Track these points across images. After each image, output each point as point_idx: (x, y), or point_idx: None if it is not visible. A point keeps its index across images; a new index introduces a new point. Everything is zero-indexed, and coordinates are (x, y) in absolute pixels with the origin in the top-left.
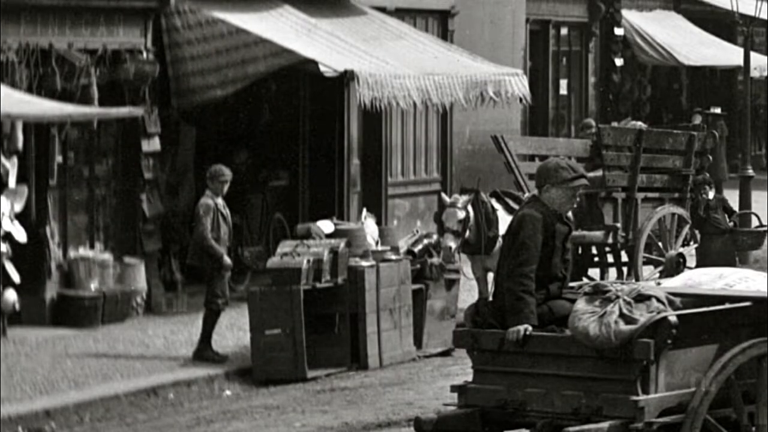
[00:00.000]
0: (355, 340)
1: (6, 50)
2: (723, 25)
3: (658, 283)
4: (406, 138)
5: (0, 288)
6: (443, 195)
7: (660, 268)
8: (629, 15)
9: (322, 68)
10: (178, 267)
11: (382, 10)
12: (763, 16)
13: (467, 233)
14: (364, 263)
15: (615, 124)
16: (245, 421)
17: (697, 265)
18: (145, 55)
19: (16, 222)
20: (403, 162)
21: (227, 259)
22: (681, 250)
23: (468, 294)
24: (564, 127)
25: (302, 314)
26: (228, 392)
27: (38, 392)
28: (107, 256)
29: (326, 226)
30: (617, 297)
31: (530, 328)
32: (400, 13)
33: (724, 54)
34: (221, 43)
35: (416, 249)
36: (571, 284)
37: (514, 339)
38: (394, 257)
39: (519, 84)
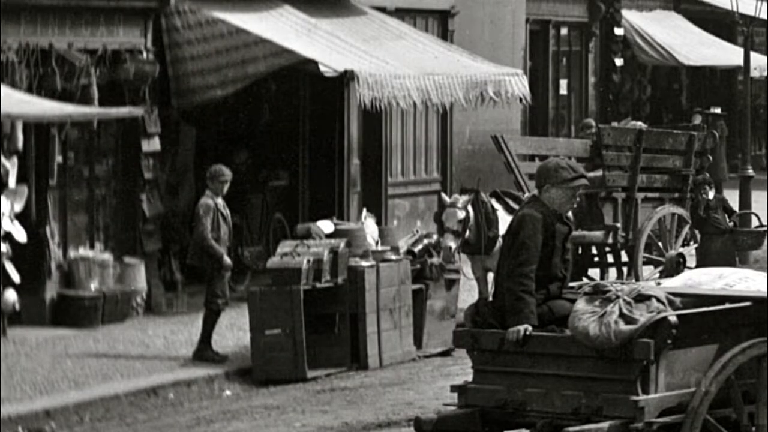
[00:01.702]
0: (355, 340)
1: (6, 50)
2: (723, 25)
3: (658, 283)
4: (406, 138)
5: (0, 288)
6: (443, 195)
7: (660, 268)
8: (629, 15)
9: (322, 68)
10: (178, 267)
11: (382, 10)
12: (763, 16)
13: (467, 233)
14: (364, 263)
15: (615, 124)
16: (245, 421)
17: (697, 265)
18: (145, 55)
19: (16, 222)
20: (403, 162)
21: (227, 259)
22: (681, 250)
23: (468, 294)
24: (564, 127)
25: (302, 314)
26: (228, 392)
27: (38, 392)
28: (107, 256)
29: (326, 226)
30: (617, 297)
31: (530, 328)
32: (400, 13)
33: (724, 54)
34: (221, 43)
35: (416, 249)
36: (571, 284)
37: (514, 339)
38: (394, 257)
39: (519, 84)
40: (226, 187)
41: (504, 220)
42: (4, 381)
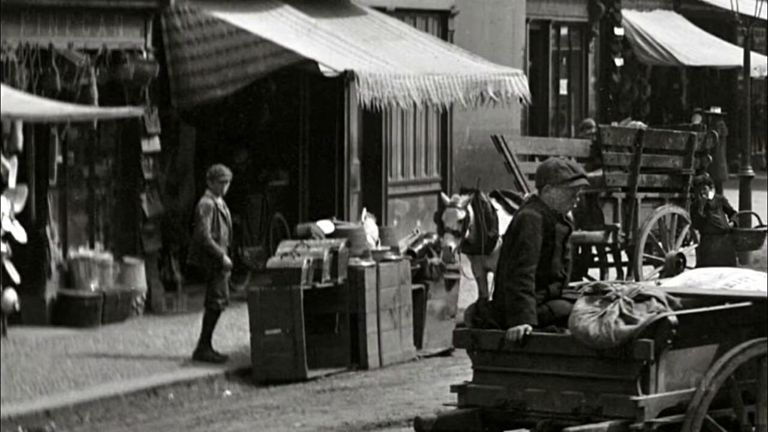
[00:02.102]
0: (355, 340)
1: (6, 50)
2: (723, 25)
3: (658, 283)
4: (406, 138)
5: (0, 288)
6: (443, 195)
7: (660, 268)
8: (629, 15)
9: (322, 68)
10: (178, 267)
11: (382, 10)
12: (763, 16)
13: (467, 233)
14: (364, 263)
15: (615, 124)
16: (245, 421)
17: (697, 265)
18: (145, 55)
19: (16, 222)
20: (403, 162)
21: (227, 259)
22: (681, 250)
23: (468, 294)
24: (564, 127)
25: (302, 314)
26: (228, 392)
27: (38, 392)
28: (107, 256)
29: (326, 226)
30: (617, 297)
31: (530, 328)
32: (400, 13)
33: (724, 54)
34: (221, 43)
35: (416, 249)
36: (571, 284)
37: (514, 339)
38: (394, 257)
39: (519, 84)
40: (226, 187)
41: (504, 220)
42: (4, 381)
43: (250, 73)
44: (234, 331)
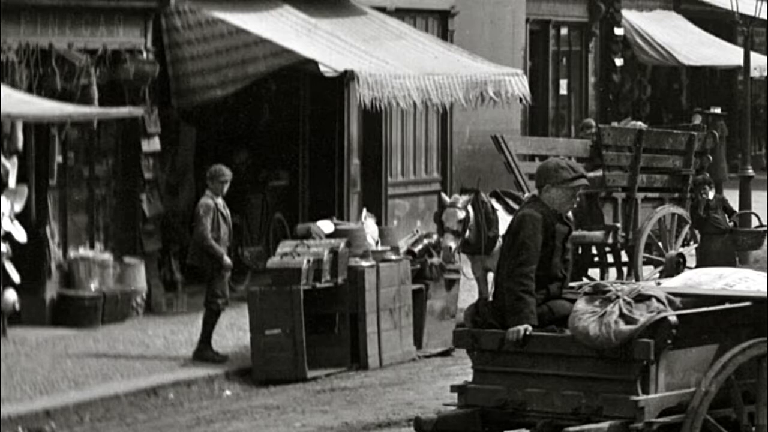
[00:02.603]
0: (355, 340)
1: (6, 50)
2: (723, 25)
3: (658, 283)
4: (406, 138)
5: (0, 288)
6: (443, 195)
7: (660, 268)
8: (629, 15)
9: (322, 68)
10: (178, 267)
11: (382, 10)
12: (763, 16)
13: (467, 233)
14: (364, 263)
15: (615, 124)
16: (245, 421)
17: (697, 265)
18: (145, 55)
19: (16, 222)
20: (403, 162)
21: (227, 259)
22: (681, 250)
23: (468, 294)
24: (564, 127)
25: (302, 314)
26: (228, 392)
27: (38, 392)
28: (107, 256)
29: (326, 226)
30: (617, 297)
31: (530, 328)
32: (400, 13)
33: (724, 54)
34: (221, 43)
35: (416, 249)
36: (571, 284)
37: (514, 339)
38: (394, 257)
39: (519, 84)
40: (226, 187)
41: (504, 220)
42: (4, 381)
43: (250, 73)
44: (234, 331)
